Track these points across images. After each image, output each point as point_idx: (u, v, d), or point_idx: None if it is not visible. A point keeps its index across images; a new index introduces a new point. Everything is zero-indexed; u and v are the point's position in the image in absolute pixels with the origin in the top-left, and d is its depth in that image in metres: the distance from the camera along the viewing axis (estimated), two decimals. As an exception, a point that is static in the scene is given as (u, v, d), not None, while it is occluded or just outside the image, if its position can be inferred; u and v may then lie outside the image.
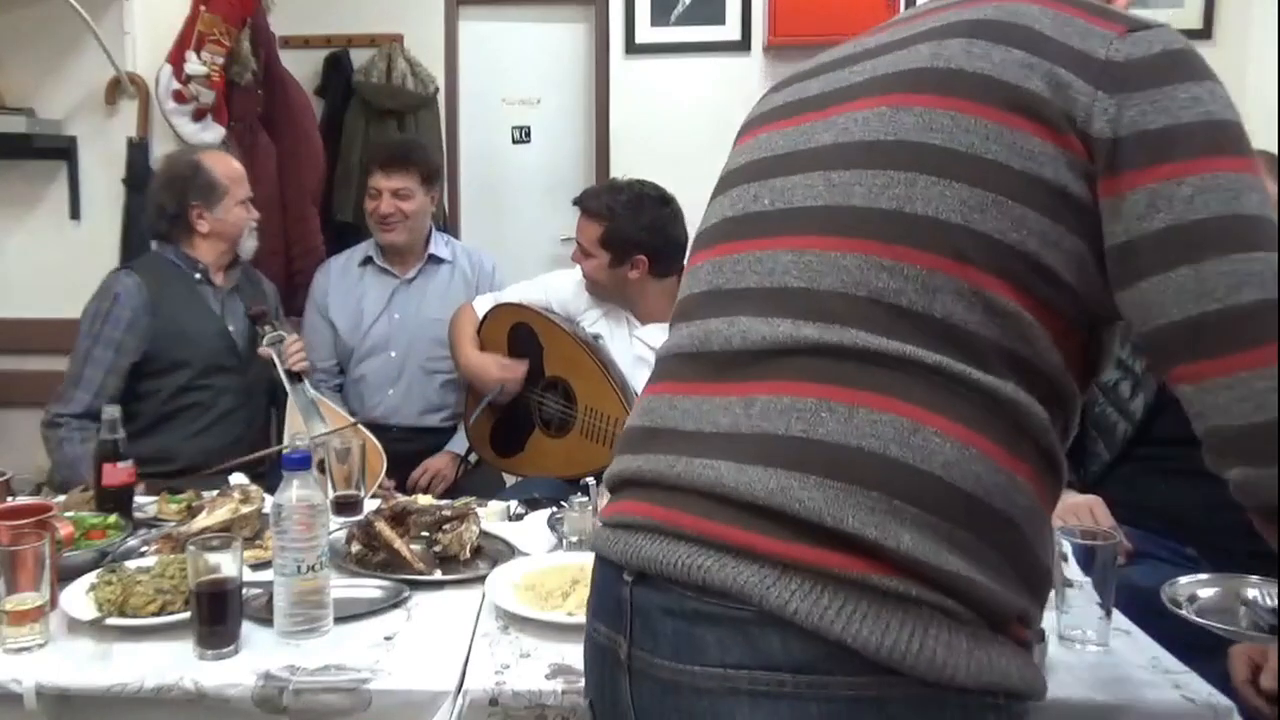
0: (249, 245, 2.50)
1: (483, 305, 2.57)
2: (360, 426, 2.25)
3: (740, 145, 1.03)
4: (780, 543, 0.78)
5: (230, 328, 2.43)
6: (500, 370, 2.45)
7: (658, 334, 2.31)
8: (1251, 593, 1.37)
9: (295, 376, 2.35)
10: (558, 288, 2.49)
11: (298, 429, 2.24)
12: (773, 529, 0.78)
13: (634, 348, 2.34)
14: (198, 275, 2.41)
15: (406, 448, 2.70)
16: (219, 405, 2.39)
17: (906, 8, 3.91)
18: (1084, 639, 1.29)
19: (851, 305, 0.82)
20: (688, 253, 1.04)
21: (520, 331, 2.48)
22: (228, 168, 2.45)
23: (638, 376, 2.30)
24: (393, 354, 2.79)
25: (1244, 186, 0.78)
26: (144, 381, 2.31)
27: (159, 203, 2.42)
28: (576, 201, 2.36)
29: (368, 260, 2.84)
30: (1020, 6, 0.87)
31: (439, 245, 2.86)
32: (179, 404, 2.34)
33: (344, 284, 2.84)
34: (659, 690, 0.84)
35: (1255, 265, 0.76)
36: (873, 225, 0.83)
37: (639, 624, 0.86)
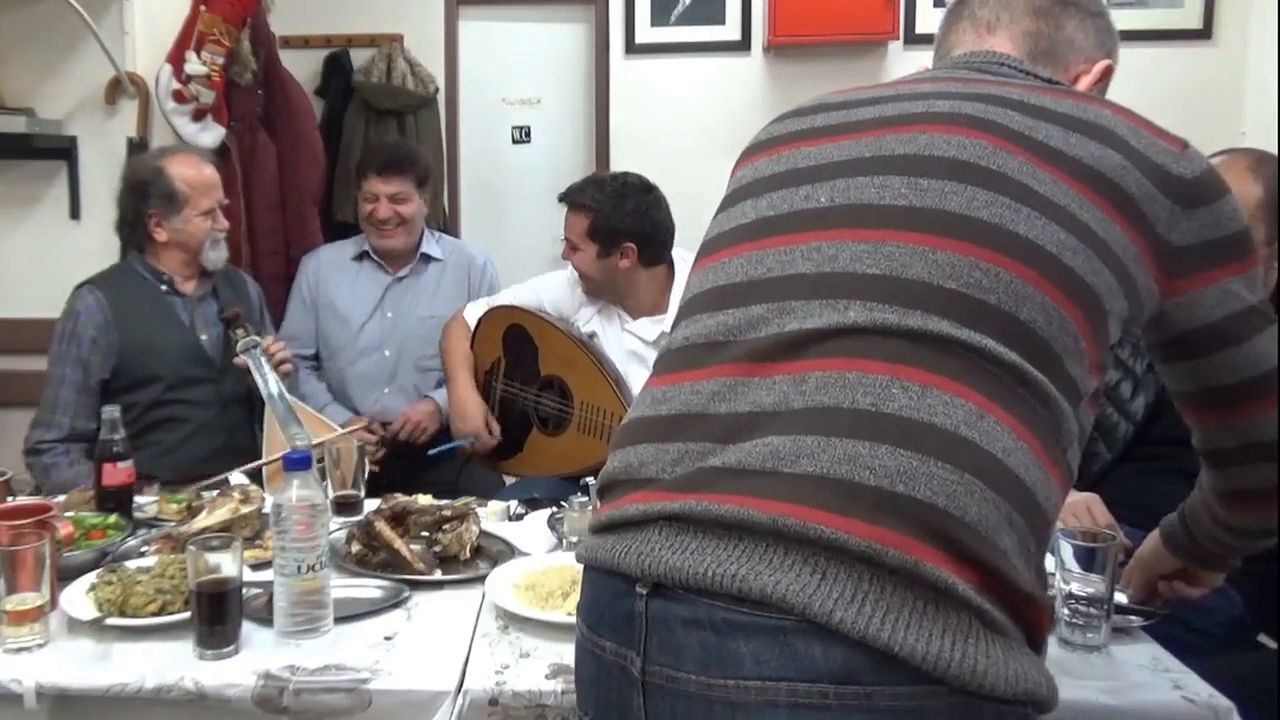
0: (213, 256, 2.39)
1: (474, 313, 2.57)
2: (336, 428, 2.22)
3: (769, 157, 1.03)
4: (837, 517, 0.76)
5: (203, 336, 2.37)
6: (482, 424, 2.46)
7: (649, 327, 2.31)
8: None
9: (272, 383, 2.28)
10: (550, 288, 2.49)
11: (275, 439, 2.20)
12: (829, 500, 0.77)
13: (626, 342, 2.34)
14: (164, 286, 2.36)
15: (408, 447, 2.71)
16: (196, 417, 2.33)
17: (907, 12, 3.93)
18: (1084, 641, 1.29)
19: (937, 294, 0.84)
20: (701, 253, 1.03)
21: (515, 333, 2.48)
22: (195, 175, 2.35)
23: (630, 371, 2.31)
24: (386, 353, 2.79)
25: (1257, 277, 1.00)
26: (115, 398, 2.21)
27: (121, 206, 2.37)
28: (562, 197, 2.37)
29: (362, 255, 2.83)
30: (1097, 110, 0.96)
31: (430, 244, 2.86)
32: (153, 418, 2.29)
33: (335, 277, 2.83)
34: (684, 705, 0.80)
35: (1271, 338, 1.00)
36: (969, 230, 0.87)
37: (656, 638, 0.82)
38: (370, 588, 1.49)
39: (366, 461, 1.95)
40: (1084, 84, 1.10)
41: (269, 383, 2.26)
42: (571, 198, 2.34)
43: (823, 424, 0.80)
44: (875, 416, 0.79)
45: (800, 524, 0.76)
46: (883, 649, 0.73)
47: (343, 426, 1.90)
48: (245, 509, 1.65)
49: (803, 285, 0.88)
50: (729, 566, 0.77)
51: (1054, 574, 1.34)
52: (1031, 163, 0.91)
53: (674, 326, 0.99)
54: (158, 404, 2.29)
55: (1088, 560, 1.31)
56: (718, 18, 3.82)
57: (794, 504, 0.77)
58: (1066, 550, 1.33)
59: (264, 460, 2.12)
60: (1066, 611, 1.31)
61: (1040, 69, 1.07)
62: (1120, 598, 1.36)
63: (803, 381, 0.83)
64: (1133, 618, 1.36)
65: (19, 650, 1.28)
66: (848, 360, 0.83)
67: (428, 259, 2.86)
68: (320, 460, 1.82)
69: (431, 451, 2.55)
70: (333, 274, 2.84)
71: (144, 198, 2.32)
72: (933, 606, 0.75)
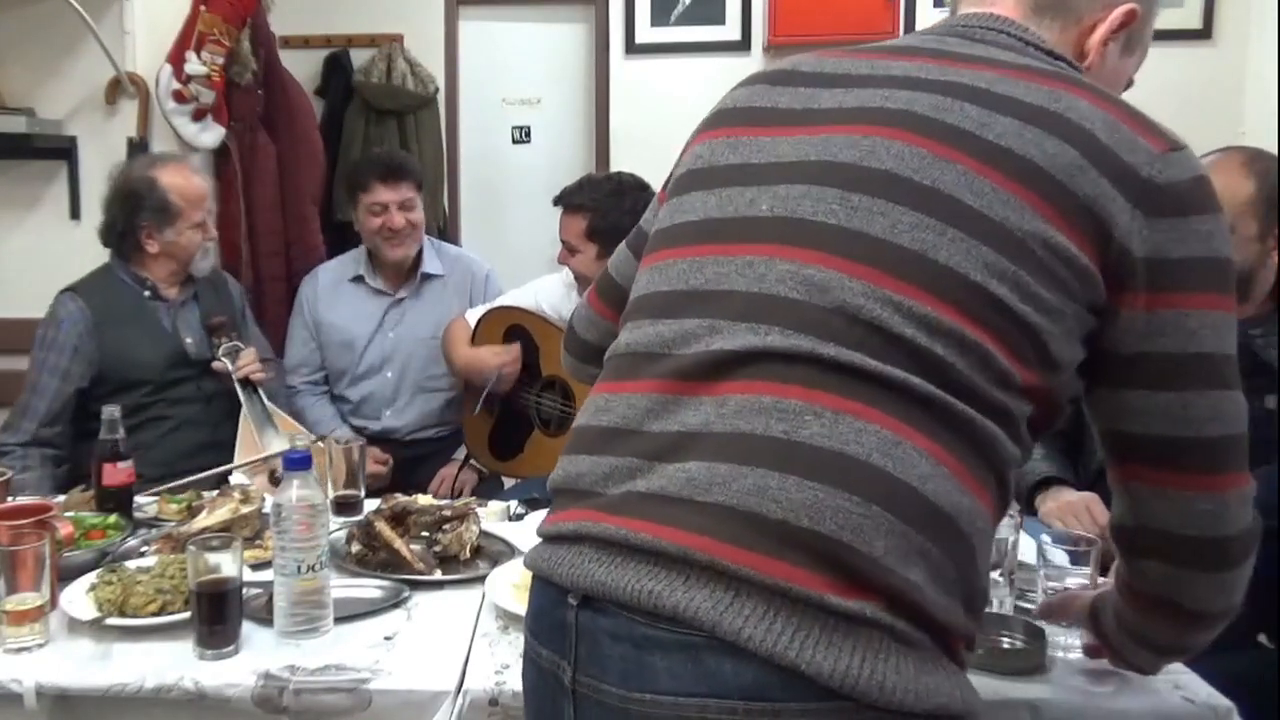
0: (203, 265, 2.41)
1: (474, 317, 2.57)
2: (321, 442, 2.22)
3: (725, 138, 0.99)
4: (740, 550, 0.77)
5: (187, 340, 2.36)
6: (495, 357, 2.45)
7: None
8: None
9: (250, 388, 2.29)
10: (547, 291, 2.49)
11: (250, 441, 2.20)
12: (736, 534, 0.77)
13: None
14: (147, 293, 2.35)
15: (407, 453, 2.71)
16: (178, 414, 2.33)
17: (906, 12, 3.92)
18: (1067, 645, 1.28)
19: (852, 326, 0.82)
20: (652, 243, 1.00)
21: (515, 334, 2.48)
22: (187, 187, 2.34)
23: None
24: (389, 374, 2.76)
25: (1230, 327, 0.88)
26: (96, 402, 2.18)
27: (110, 215, 2.35)
28: (557, 200, 2.36)
29: (358, 279, 2.79)
30: (1074, 100, 0.88)
31: (430, 261, 2.80)
32: (134, 422, 2.24)
33: (334, 300, 2.79)
34: (607, 717, 0.82)
35: (1226, 404, 0.88)
36: (889, 258, 0.83)
37: (584, 649, 0.84)
38: (370, 588, 1.49)
39: (366, 461, 1.95)
40: (1100, 33, 0.99)
41: (241, 387, 2.28)
42: (568, 199, 2.34)
43: (737, 451, 0.80)
44: (787, 445, 0.79)
45: (708, 557, 0.77)
46: (789, 667, 0.74)
47: (343, 445, 1.87)
48: (245, 509, 1.65)
49: (733, 305, 0.86)
50: (647, 583, 0.79)
51: (1040, 571, 1.35)
52: (972, 170, 0.85)
53: (622, 324, 0.98)
54: (140, 407, 2.28)
55: (1074, 565, 1.32)
56: (718, 18, 3.82)
57: (703, 535, 0.78)
58: (1053, 553, 1.33)
59: (233, 465, 2.12)
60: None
61: (1045, 28, 0.98)
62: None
63: (724, 404, 0.82)
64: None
65: (19, 650, 1.28)
66: (766, 384, 0.82)
67: (428, 277, 2.79)
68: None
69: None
70: (332, 297, 2.79)
71: (136, 209, 2.31)
72: (844, 625, 0.75)
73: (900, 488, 0.78)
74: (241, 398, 2.27)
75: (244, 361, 2.32)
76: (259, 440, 2.21)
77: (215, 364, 2.32)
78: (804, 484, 0.77)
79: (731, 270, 0.88)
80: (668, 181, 1.06)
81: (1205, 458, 0.89)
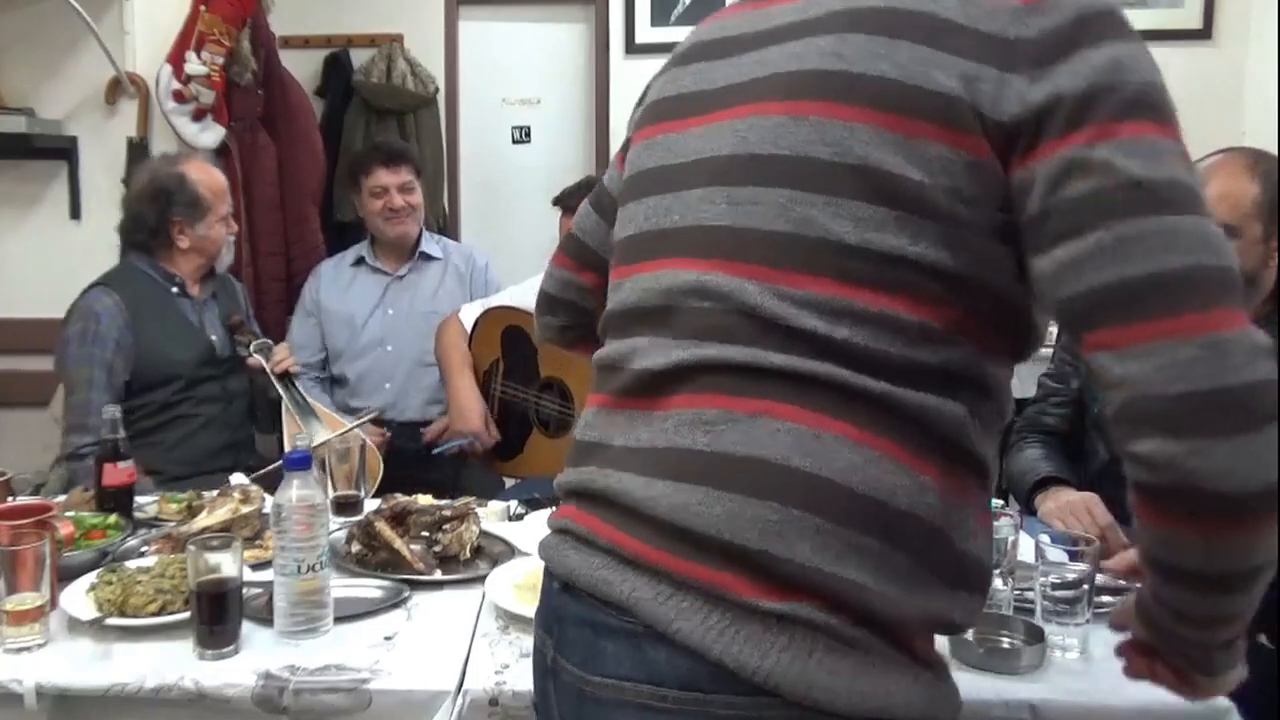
0: (226, 259, 2.48)
1: (469, 314, 2.57)
2: (359, 431, 2.25)
3: (646, 140, 0.98)
4: (679, 560, 0.79)
5: (212, 337, 2.40)
6: (482, 424, 2.46)
7: None
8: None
9: (286, 381, 2.35)
10: None
11: (297, 431, 2.25)
12: (674, 545, 0.79)
13: None
14: (175, 289, 2.37)
15: (410, 445, 2.71)
16: (204, 413, 2.36)
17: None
18: (1064, 645, 1.29)
19: (755, 326, 0.81)
20: (614, 254, 1.01)
21: (513, 334, 2.48)
22: (213, 182, 2.39)
23: None
24: (389, 348, 2.82)
25: (1169, 152, 0.74)
26: (129, 399, 2.25)
27: (138, 213, 2.36)
28: (557, 201, 2.37)
29: (359, 261, 2.89)
30: None
31: (429, 244, 2.92)
32: (164, 418, 2.30)
33: (336, 284, 2.88)
34: (573, 696, 0.86)
35: (1185, 231, 0.72)
36: (771, 249, 0.82)
37: (560, 631, 0.88)
38: (370, 588, 1.49)
39: (369, 459, 1.96)
40: None
41: (279, 381, 2.34)
42: (567, 201, 2.35)
43: (669, 467, 0.81)
44: (709, 456, 0.79)
45: (653, 564, 0.80)
46: (716, 661, 0.75)
47: (343, 445, 1.91)
48: (245, 509, 1.65)
49: (658, 320, 0.88)
50: (603, 573, 0.83)
51: (1039, 570, 1.35)
52: (827, 116, 0.80)
53: (600, 334, 1.00)
54: (170, 403, 2.31)
55: (1073, 562, 1.32)
56: (718, 18, 3.82)
57: (647, 544, 0.81)
58: (1053, 553, 1.34)
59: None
60: (1047, 604, 1.32)
61: None
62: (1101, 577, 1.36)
63: (666, 420, 0.84)
64: (1104, 597, 1.35)
65: (19, 650, 1.28)
66: (693, 397, 0.82)
67: (427, 258, 2.90)
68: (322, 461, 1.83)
69: (435, 450, 2.56)
70: (333, 281, 2.90)
71: (169, 205, 2.33)
72: (775, 624, 0.76)
73: (823, 486, 0.76)
74: (281, 392, 2.34)
75: (279, 357, 2.38)
76: (304, 429, 2.25)
77: (250, 360, 2.37)
78: (723, 496, 0.78)
79: (654, 285, 0.90)
80: (626, 144, 1.07)
81: (1172, 296, 0.71)
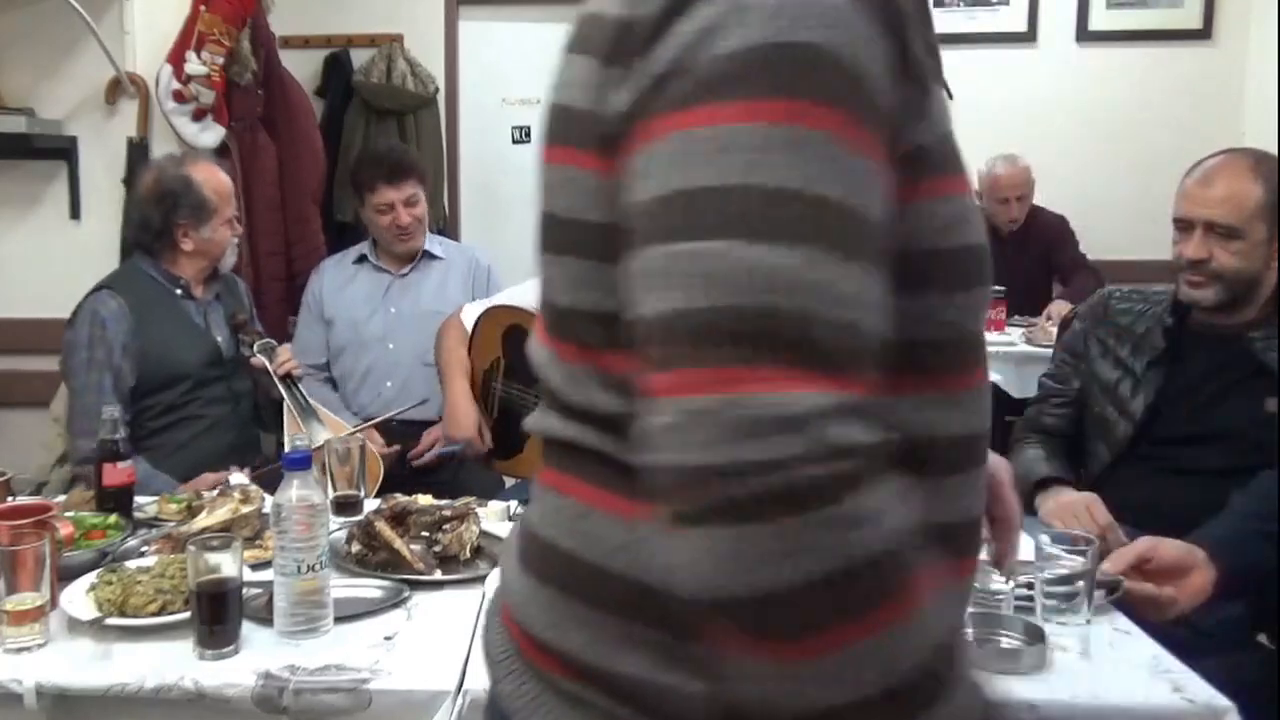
0: (229, 260, 2.46)
1: (471, 315, 2.57)
2: (360, 435, 2.25)
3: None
4: (514, 625, 0.75)
5: (218, 338, 2.40)
6: (475, 431, 2.46)
7: None
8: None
9: (289, 382, 2.36)
10: None
11: (297, 433, 2.25)
12: (508, 616, 0.77)
13: None
14: (179, 291, 2.37)
15: (410, 444, 2.71)
16: (211, 414, 2.36)
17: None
18: (1063, 645, 1.28)
19: (550, 396, 0.75)
20: None
21: (515, 334, 2.48)
22: (218, 184, 2.38)
23: None
24: (390, 346, 2.82)
25: (733, 144, 0.54)
26: (136, 402, 2.25)
27: (144, 215, 2.35)
28: None
29: (362, 259, 2.90)
30: None
31: (432, 244, 2.92)
32: (171, 419, 2.30)
33: (338, 282, 2.88)
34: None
35: (702, 256, 0.54)
36: (545, 318, 0.75)
37: None
38: (370, 588, 1.49)
39: (369, 463, 1.97)
40: None
41: (282, 382, 2.35)
42: None
43: (516, 544, 0.78)
44: (525, 535, 0.76)
45: (502, 623, 0.78)
46: None
47: (343, 445, 1.93)
48: (245, 509, 1.65)
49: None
50: (491, 620, 0.80)
51: (1039, 570, 1.35)
52: (550, 162, 0.70)
53: None
54: (177, 405, 2.31)
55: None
56: (718, 18, 3.82)
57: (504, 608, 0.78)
58: (1052, 553, 1.34)
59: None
60: (1047, 603, 1.33)
61: None
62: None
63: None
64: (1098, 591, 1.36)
65: (19, 650, 1.28)
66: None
67: (430, 256, 2.90)
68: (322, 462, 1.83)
69: (422, 459, 2.59)
70: (336, 281, 2.90)
71: (174, 208, 2.31)
72: (571, 702, 0.70)
73: (589, 571, 0.68)
74: (283, 393, 2.34)
75: (283, 358, 2.38)
76: (306, 431, 2.25)
77: (254, 360, 2.36)
78: (522, 576, 0.74)
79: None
80: None
81: (679, 344, 0.54)
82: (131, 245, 2.45)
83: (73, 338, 2.25)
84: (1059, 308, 3.46)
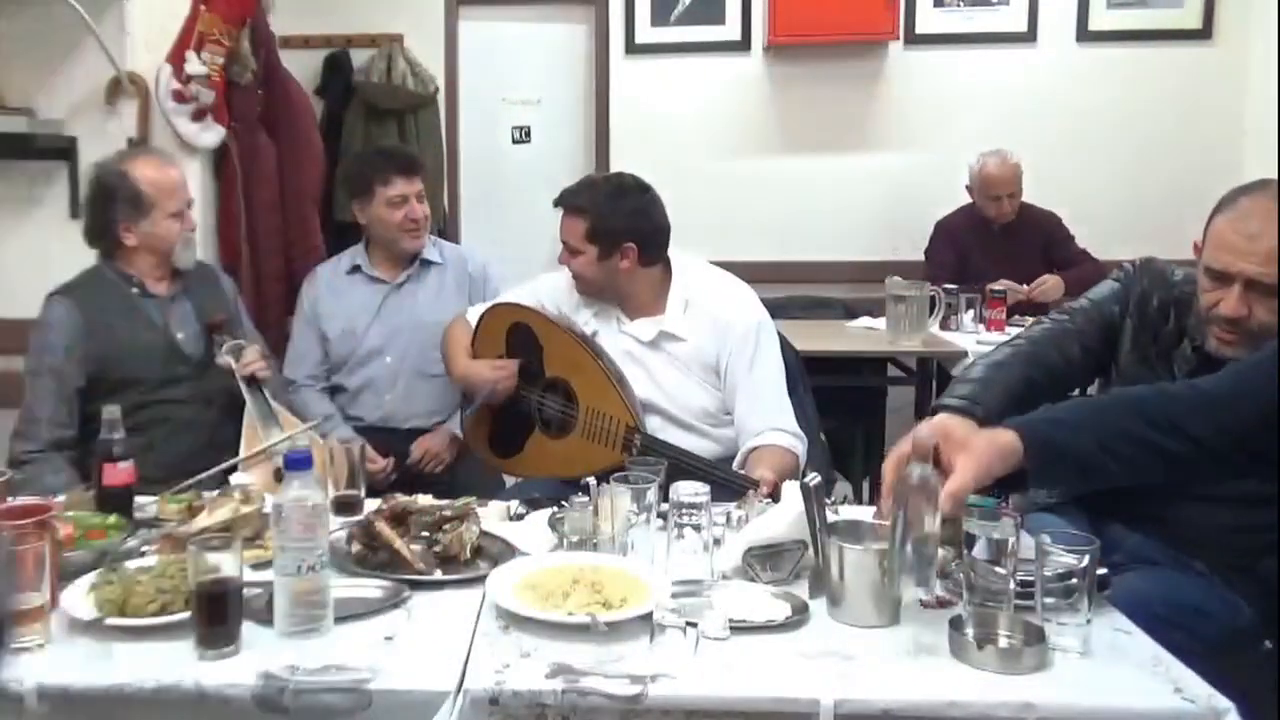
0: (185, 257, 2.40)
1: (475, 314, 2.57)
2: (313, 434, 2.23)
3: None
4: None
5: (179, 335, 2.36)
6: (492, 371, 2.45)
7: (646, 327, 2.31)
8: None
9: (254, 386, 2.31)
10: (548, 290, 2.48)
11: (254, 439, 2.21)
12: None
13: (622, 343, 2.33)
14: (135, 289, 2.34)
15: (411, 446, 2.71)
16: (177, 415, 2.33)
17: (907, 12, 3.92)
18: (1064, 646, 1.29)
19: None
20: None
21: (519, 331, 2.47)
22: (159, 177, 2.33)
23: (626, 372, 2.31)
24: (388, 359, 2.78)
25: None
26: (95, 403, 2.18)
27: (89, 214, 2.35)
28: (557, 202, 2.35)
29: (355, 269, 2.83)
30: None
31: (429, 249, 2.86)
32: (135, 421, 2.21)
33: (333, 293, 2.82)
34: None
35: None
36: None
37: None
38: (370, 588, 1.49)
39: (364, 464, 1.96)
40: None
41: (245, 384, 2.30)
42: (567, 201, 2.33)
43: None
44: None
45: None
46: None
47: (343, 444, 1.91)
48: (245, 509, 1.65)
49: None
50: None
51: (1039, 569, 1.34)
52: None
53: None
54: (139, 406, 2.26)
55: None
56: (718, 18, 3.83)
57: None
58: (1052, 552, 1.32)
59: (239, 458, 2.13)
60: (1048, 602, 1.32)
61: None
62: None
63: None
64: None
65: (19, 650, 1.28)
66: None
67: (428, 264, 2.84)
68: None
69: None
70: (331, 290, 2.83)
71: (110, 203, 2.30)
72: None
73: None
74: (246, 395, 2.29)
75: (248, 359, 2.32)
76: (264, 438, 2.22)
77: (219, 361, 2.32)
78: None
79: None
80: None
81: None
82: (90, 247, 2.42)
83: (28, 342, 2.28)
84: (1054, 280, 3.56)
